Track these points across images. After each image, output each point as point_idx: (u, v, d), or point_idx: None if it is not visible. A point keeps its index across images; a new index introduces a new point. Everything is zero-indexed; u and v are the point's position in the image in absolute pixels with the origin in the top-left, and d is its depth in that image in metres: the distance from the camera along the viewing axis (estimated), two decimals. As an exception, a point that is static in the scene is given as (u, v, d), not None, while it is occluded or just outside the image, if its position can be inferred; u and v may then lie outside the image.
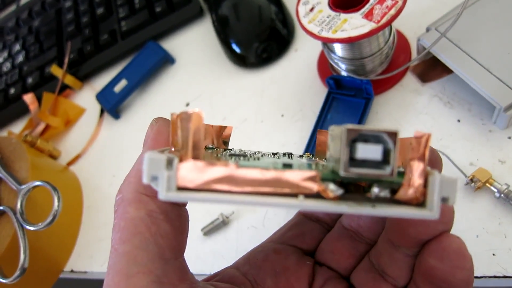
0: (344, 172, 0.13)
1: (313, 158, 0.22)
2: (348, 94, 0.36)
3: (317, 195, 0.13)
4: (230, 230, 0.35)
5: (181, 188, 0.13)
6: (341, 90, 0.36)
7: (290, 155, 0.23)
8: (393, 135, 0.13)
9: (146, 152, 0.14)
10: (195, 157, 0.14)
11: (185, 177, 0.13)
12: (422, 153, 0.13)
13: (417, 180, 0.13)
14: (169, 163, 0.14)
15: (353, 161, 0.14)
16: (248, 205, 0.14)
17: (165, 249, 0.17)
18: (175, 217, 0.18)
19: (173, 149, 0.16)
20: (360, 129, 0.14)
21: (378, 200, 0.14)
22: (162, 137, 0.19)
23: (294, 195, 0.13)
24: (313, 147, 0.35)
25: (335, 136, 0.15)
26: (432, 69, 0.35)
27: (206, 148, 0.22)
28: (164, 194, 0.13)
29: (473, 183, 0.29)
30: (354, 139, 0.13)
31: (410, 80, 0.36)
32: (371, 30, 0.30)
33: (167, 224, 0.17)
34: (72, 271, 0.41)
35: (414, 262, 0.18)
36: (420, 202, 0.13)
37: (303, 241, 0.24)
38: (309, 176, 0.13)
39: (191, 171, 0.13)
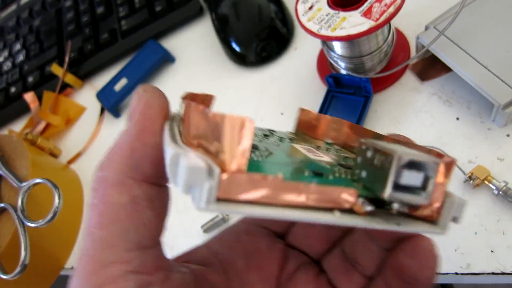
0: (389, 197, 0.14)
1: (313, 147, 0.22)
2: (347, 92, 0.36)
3: (349, 210, 0.14)
4: (229, 228, 0.35)
5: (221, 200, 0.12)
6: (340, 88, 0.37)
7: (271, 132, 0.23)
8: (437, 164, 0.14)
9: (178, 154, 0.13)
10: (240, 167, 0.13)
11: (228, 189, 0.12)
12: (443, 177, 0.14)
13: (436, 202, 0.14)
14: (211, 172, 0.12)
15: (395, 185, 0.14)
16: (288, 219, 0.13)
17: (144, 238, 0.16)
18: (159, 203, 0.17)
19: (194, 140, 0.15)
20: (411, 157, 0.13)
21: (399, 214, 0.15)
22: (152, 111, 0.17)
23: (329, 209, 0.14)
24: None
25: (369, 157, 0.15)
26: (431, 67, 0.36)
27: None
28: (204, 205, 0.12)
29: (471, 181, 0.29)
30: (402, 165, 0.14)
31: (409, 79, 0.36)
32: (370, 28, 0.30)
33: (150, 211, 0.16)
34: (72, 268, 0.41)
35: (386, 255, 0.19)
36: (434, 220, 0.15)
37: (275, 223, 0.23)
38: (348, 193, 0.14)
39: (237, 184, 0.12)
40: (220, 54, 0.46)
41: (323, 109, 0.36)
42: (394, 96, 0.35)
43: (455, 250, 0.28)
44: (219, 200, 0.12)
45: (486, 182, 0.29)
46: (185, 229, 0.37)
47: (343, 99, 0.36)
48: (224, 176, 0.12)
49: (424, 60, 0.36)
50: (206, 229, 0.35)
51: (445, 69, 0.34)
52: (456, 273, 0.27)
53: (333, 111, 0.36)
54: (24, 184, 0.37)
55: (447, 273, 0.27)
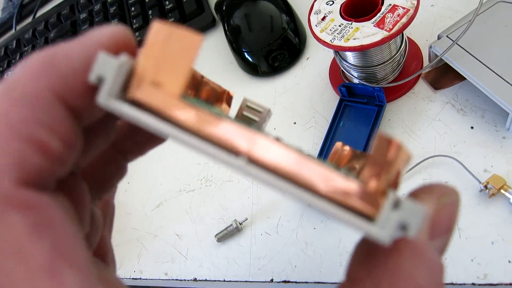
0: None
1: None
2: (360, 102, 0.36)
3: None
4: (243, 237, 0.35)
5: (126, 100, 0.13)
6: (353, 98, 0.37)
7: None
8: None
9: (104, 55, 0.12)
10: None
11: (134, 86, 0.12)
12: (388, 166, 0.12)
13: (371, 195, 0.12)
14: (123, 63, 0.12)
15: None
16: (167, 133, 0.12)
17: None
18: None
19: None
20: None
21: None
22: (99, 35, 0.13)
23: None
24: (326, 154, 0.35)
25: None
26: (444, 76, 0.36)
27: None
28: (103, 99, 0.12)
29: (487, 190, 0.29)
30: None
31: (422, 87, 0.36)
32: (383, 38, 0.30)
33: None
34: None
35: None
36: (373, 217, 0.12)
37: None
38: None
39: (140, 82, 0.12)
40: (232, 64, 0.47)
41: (336, 118, 0.37)
42: (407, 105, 0.35)
43: (472, 260, 0.28)
44: (127, 100, 0.12)
45: (502, 191, 0.28)
46: (198, 238, 0.37)
47: (356, 108, 0.37)
48: (132, 64, 0.12)
49: (437, 69, 0.36)
50: (219, 238, 0.35)
51: (458, 77, 0.34)
52: (473, 284, 0.27)
53: (346, 120, 0.37)
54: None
55: (464, 284, 0.27)
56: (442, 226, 0.13)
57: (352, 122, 0.36)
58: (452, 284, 0.27)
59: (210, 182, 0.40)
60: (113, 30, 0.13)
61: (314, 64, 0.42)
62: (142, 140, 0.18)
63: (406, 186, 0.32)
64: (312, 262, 0.31)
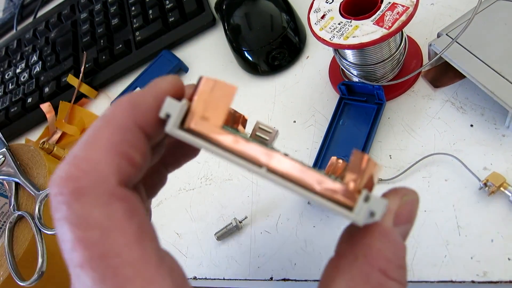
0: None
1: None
2: (359, 100, 0.36)
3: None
4: (243, 235, 0.35)
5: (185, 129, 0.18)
6: (352, 96, 0.37)
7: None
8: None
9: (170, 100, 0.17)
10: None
11: (190, 120, 0.17)
12: (362, 173, 0.17)
13: (351, 192, 0.17)
14: (183, 106, 0.17)
15: None
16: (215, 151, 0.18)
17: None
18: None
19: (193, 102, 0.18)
20: None
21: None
22: (163, 84, 0.19)
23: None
24: (325, 152, 0.35)
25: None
26: (444, 74, 0.36)
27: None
28: (170, 128, 0.17)
29: (487, 188, 0.29)
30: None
31: (422, 86, 0.36)
32: (382, 36, 0.30)
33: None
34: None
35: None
36: (351, 206, 0.17)
37: None
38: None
39: (192, 115, 0.17)
40: (232, 63, 0.47)
41: (336, 116, 0.37)
42: (407, 103, 0.35)
43: (471, 258, 0.28)
44: (185, 129, 0.17)
45: (501, 189, 0.28)
46: (198, 237, 0.37)
47: (356, 107, 0.37)
48: (188, 104, 0.17)
49: (436, 67, 0.36)
50: (219, 236, 0.35)
51: (458, 76, 0.34)
52: (473, 281, 0.27)
53: (345, 118, 0.37)
54: (41, 192, 0.38)
55: (463, 281, 0.27)
56: (404, 217, 0.18)
57: (351, 120, 0.36)
58: (452, 282, 0.27)
59: (210, 180, 0.40)
60: (172, 81, 0.19)
61: (314, 62, 0.42)
62: (180, 156, 0.25)
63: (406, 184, 0.32)
64: (312, 260, 0.31)
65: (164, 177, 0.25)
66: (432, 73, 0.36)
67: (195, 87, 0.18)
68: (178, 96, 0.19)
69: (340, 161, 0.27)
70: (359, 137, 0.35)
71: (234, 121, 0.25)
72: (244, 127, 0.25)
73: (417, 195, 0.19)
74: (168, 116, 0.17)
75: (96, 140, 0.16)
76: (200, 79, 0.18)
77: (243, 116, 0.25)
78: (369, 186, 0.18)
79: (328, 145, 0.36)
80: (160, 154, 0.22)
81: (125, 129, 0.17)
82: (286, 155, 0.17)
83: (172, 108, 0.17)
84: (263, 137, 0.25)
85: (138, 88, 0.50)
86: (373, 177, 0.18)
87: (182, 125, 0.17)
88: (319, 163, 0.35)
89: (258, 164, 0.17)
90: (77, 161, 0.16)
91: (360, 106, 0.36)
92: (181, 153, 0.24)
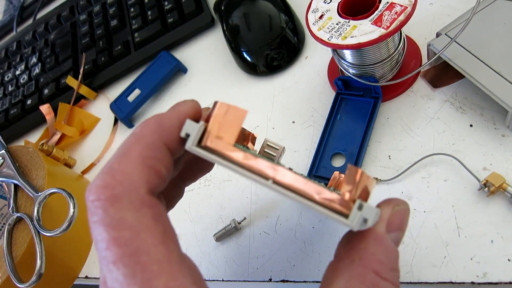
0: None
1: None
2: (356, 94, 0.36)
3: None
4: (242, 236, 0.35)
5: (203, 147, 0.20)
6: (349, 91, 0.37)
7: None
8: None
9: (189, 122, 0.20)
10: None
11: (207, 139, 0.20)
12: (356, 185, 0.19)
13: (346, 201, 0.19)
14: (200, 127, 0.20)
15: None
16: (229, 167, 0.20)
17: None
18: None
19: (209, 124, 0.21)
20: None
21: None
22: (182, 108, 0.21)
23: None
24: (323, 149, 0.35)
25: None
26: (443, 74, 0.35)
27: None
28: (190, 145, 0.20)
29: (486, 188, 0.29)
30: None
31: (421, 86, 0.36)
32: (381, 36, 0.30)
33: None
34: (86, 277, 0.42)
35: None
36: (347, 214, 0.19)
37: None
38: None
39: (210, 136, 0.20)
40: (231, 64, 0.47)
41: (333, 112, 0.37)
42: (406, 103, 0.35)
43: (471, 259, 0.27)
44: (202, 147, 0.20)
45: (501, 189, 0.28)
46: (197, 237, 0.37)
47: (353, 101, 0.37)
48: (205, 125, 0.20)
49: (435, 67, 0.36)
50: (218, 237, 0.35)
51: (457, 76, 0.34)
52: (473, 283, 0.27)
53: (343, 113, 0.37)
54: (39, 194, 0.38)
55: (463, 283, 0.27)
56: (395, 224, 0.20)
57: (349, 115, 0.36)
58: (452, 283, 0.27)
59: (209, 181, 0.40)
60: (192, 104, 0.22)
61: (312, 63, 0.42)
62: (196, 170, 0.27)
63: (405, 184, 0.32)
64: (311, 261, 0.31)
65: (182, 190, 0.27)
66: (431, 73, 0.36)
67: (211, 110, 0.20)
68: (196, 118, 0.22)
69: (342, 175, 0.30)
70: (357, 131, 0.35)
71: (244, 138, 0.28)
72: (254, 144, 0.29)
73: (407, 205, 0.21)
74: (187, 135, 0.20)
75: (128, 154, 0.19)
76: (215, 103, 0.20)
77: (252, 134, 0.28)
78: (364, 196, 0.19)
79: (326, 141, 0.36)
80: (178, 170, 0.24)
81: (153, 146, 0.19)
82: (290, 169, 0.19)
83: (191, 128, 0.20)
84: (270, 153, 0.30)
85: (137, 90, 0.50)
86: (367, 188, 0.20)
87: (200, 143, 0.20)
88: (318, 159, 0.35)
89: (265, 177, 0.19)
90: (113, 172, 0.18)
91: (357, 100, 0.36)
92: (197, 168, 0.27)
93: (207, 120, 0.20)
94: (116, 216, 0.17)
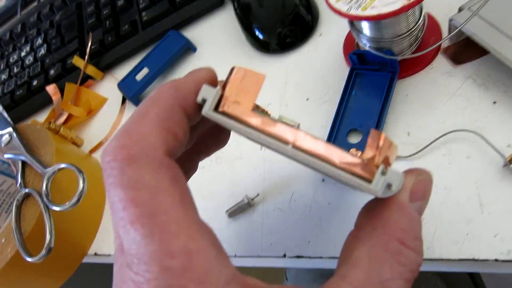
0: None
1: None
2: (372, 69, 0.35)
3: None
4: (255, 213, 0.34)
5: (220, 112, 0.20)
6: (364, 66, 0.36)
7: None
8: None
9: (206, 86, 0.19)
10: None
11: (224, 104, 0.19)
12: (379, 149, 0.18)
13: (370, 165, 0.18)
14: (218, 92, 0.19)
15: None
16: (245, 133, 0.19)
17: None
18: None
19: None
20: None
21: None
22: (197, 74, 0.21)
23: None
24: (339, 125, 0.34)
25: None
26: (465, 51, 0.34)
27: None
28: (206, 111, 0.19)
29: (511, 165, 0.28)
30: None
31: (441, 62, 0.35)
32: (403, 7, 0.29)
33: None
34: (96, 254, 0.41)
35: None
36: (370, 179, 0.18)
37: None
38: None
39: (226, 101, 0.19)
40: (242, 42, 0.46)
41: (348, 88, 0.36)
42: (426, 80, 0.34)
43: (495, 236, 0.27)
44: (219, 112, 0.19)
45: (526, 165, 0.27)
46: (208, 214, 0.36)
47: (368, 76, 0.35)
48: (222, 91, 0.19)
49: (457, 44, 0.35)
50: (231, 213, 0.34)
51: (480, 52, 0.33)
52: (496, 260, 0.26)
53: (358, 89, 0.35)
54: (48, 169, 0.37)
55: (486, 260, 0.26)
56: (419, 194, 0.19)
57: (364, 90, 0.35)
58: (474, 260, 0.26)
59: (220, 159, 0.39)
60: (208, 71, 0.21)
61: (327, 40, 0.41)
62: (211, 145, 0.27)
63: (425, 161, 0.31)
64: (327, 237, 0.31)
65: (196, 164, 0.27)
66: (452, 50, 0.35)
67: (228, 75, 0.20)
68: (213, 85, 0.21)
69: (359, 152, 0.29)
70: (373, 107, 0.34)
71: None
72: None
73: (430, 175, 0.20)
74: (204, 100, 0.19)
75: (145, 116, 0.18)
76: (232, 68, 0.20)
77: (267, 112, 0.27)
78: (387, 162, 0.19)
79: (342, 117, 0.35)
80: (193, 141, 0.25)
81: (170, 108, 0.19)
82: (310, 135, 0.19)
83: (208, 93, 0.19)
84: None
85: (145, 69, 0.49)
86: (390, 153, 0.19)
87: (217, 108, 0.19)
88: (333, 135, 0.34)
89: (284, 142, 0.18)
90: (129, 133, 0.18)
91: (372, 75, 0.35)
92: (211, 142, 0.27)
93: (224, 86, 0.20)
94: (134, 176, 0.17)
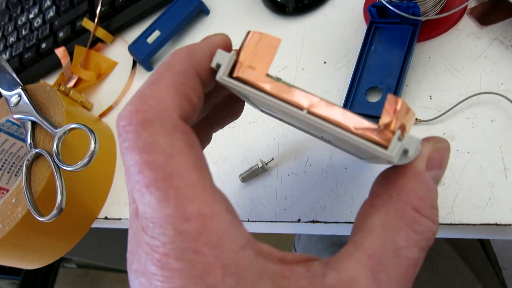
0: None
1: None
2: (392, 22, 0.33)
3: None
4: (269, 177, 0.34)
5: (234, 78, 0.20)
6: (384, 19, 0.34)
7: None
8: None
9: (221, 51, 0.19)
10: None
11: (238, 70, 0.19)
12: (396, 115, 0.18)
13: (386, 131, 0.17)
14: (232, 56, 0.19)
15: None
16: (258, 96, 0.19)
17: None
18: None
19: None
20: None
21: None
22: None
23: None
24: (358, 81, 0.33)
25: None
26: (492, 11, 0.33)
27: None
28: (221, 76, 0.19)
29: (538, 129, 0.27)
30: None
31: (467, 24, 0.33)
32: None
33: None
34: (106, 218, 0.41)
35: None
36: (386, 145, 0.17)
37: None
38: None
39: (241, 67, 0.20)
40: (257, 4, 0.44)
41: (366, 44, 0.34)
42: (450, 42, 0.33)
43: (518, 202, 0.26)
44: (233, 78, 0.19)
45: (556, 130, 0.26)
46: (221, 179, 0.36)
47: (388, 30, 0.34)
48: (236, 57, 0.19)
49: (484, 4, 0.33)
50: (244, 177, 0.34)
51: (508, 12, 0.31)
52: (519, 226, 0.25)
53: (378, 44, 0.34)
54: (59, 129, 0.36)
55: (510, 224, 0.25)
56: (436, 162, 0.19)
57: (384, 45, 0.33)
58: (496, 224, 0.25)
59: (234, 123, 0.38)
60: (223, 37, 0.21)
61: (346, 1, 0.39)
62: (225, 115, 0.27)
63: (448, 125, 0.30)
64: (343, 202, 0.30)
65: (210, 134, 0.27)
66: (479, 10, 0.33)
67: (243, 40, 0.19)
68: (228, 50, 0.20)
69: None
70: (394, 62, 0.32)
71: None
72: None
73: (448, 143, 0.20)
74: (218, 66, 0.19)
75: (160, 81, 0.18)
76: (248, 33, 0.19)
77: (280, 79, 0.26)
78: (403, 128, 0.18)
79: (361, 74, 0.33)
80: (207, 110, 0.24)
81: (185, 73, 0.19)
82: (326, 100, 0.18)
83: (222, 58, 0.19)
84: None
85: (157, 31, 0.48)
86: (407, 120, 0.18)
87: (231, 74, 0.19)
88: (352, 94, 0.33)
89: (299, 107, 0.18)
90: (144, 98, 0.18)
91: (393, 28, 0.33)
92: (225, 112, 0.27)
93: (238, 51, 0.19)
94: (149, 140, 0.16)
